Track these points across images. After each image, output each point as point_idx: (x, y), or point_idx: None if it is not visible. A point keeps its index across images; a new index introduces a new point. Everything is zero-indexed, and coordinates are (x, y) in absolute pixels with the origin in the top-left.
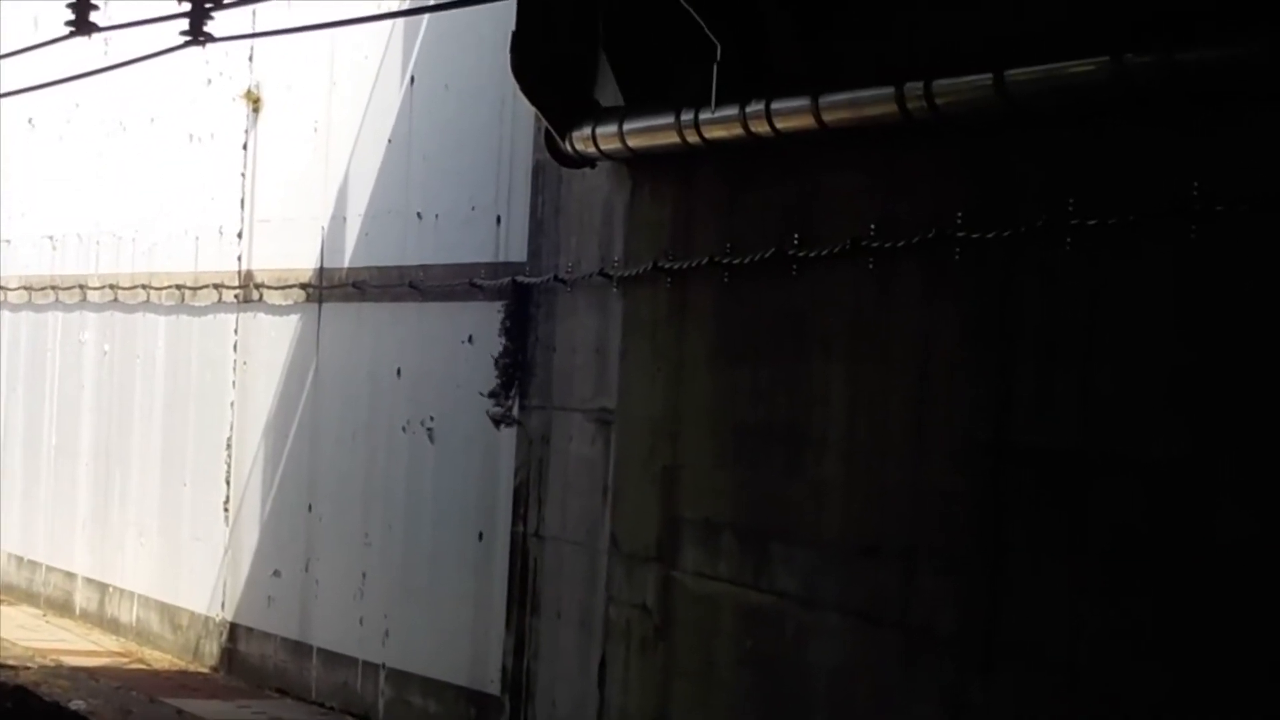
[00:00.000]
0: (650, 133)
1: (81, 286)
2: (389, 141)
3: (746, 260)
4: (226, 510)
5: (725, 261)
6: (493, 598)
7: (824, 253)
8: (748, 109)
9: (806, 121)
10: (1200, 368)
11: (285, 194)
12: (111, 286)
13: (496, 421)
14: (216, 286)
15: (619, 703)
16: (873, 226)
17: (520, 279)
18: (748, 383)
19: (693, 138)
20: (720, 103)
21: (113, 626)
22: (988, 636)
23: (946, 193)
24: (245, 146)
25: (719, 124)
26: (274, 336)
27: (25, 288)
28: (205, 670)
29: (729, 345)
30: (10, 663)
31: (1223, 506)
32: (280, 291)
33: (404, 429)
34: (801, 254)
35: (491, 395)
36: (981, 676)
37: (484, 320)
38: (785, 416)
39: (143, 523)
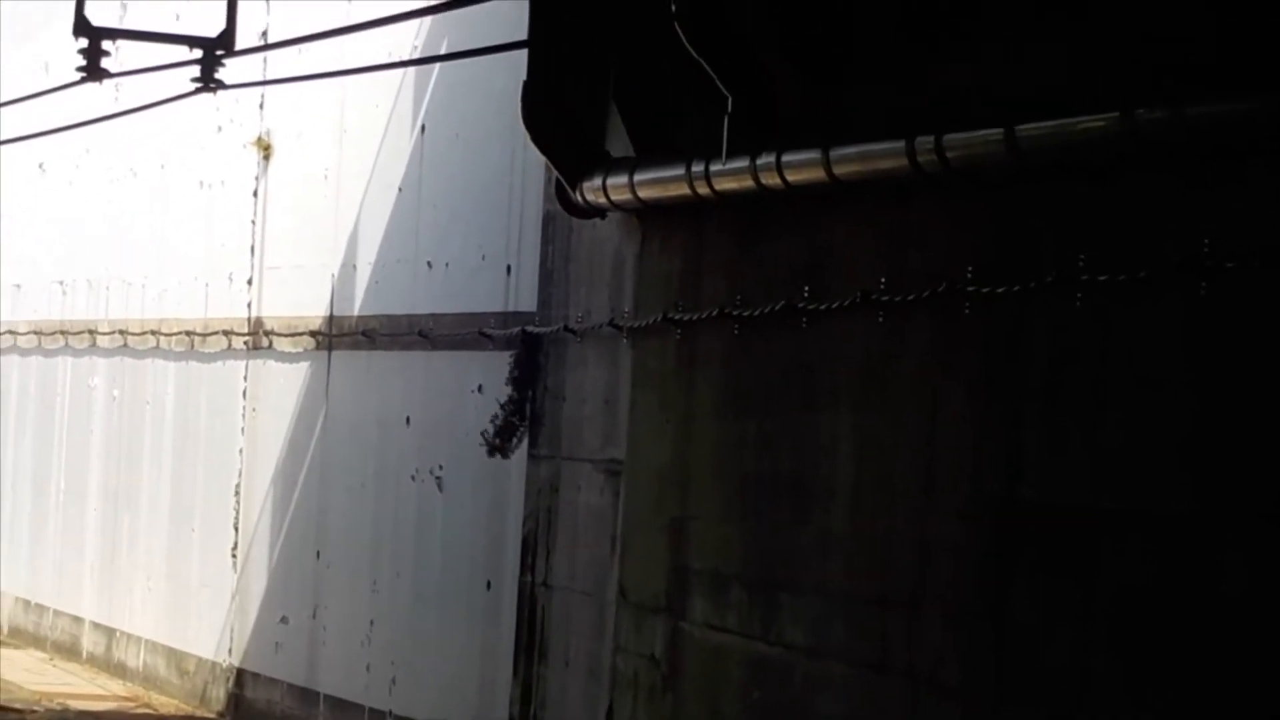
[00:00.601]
0: (661, 184)
1: (91, 332)
2: (399, 190)
3: (756, 312)
4: (234, 556)
5: (735, 313)
6: (500, 646)
7: (834, 305)
8: (758, 161)
9: (817, 174)
10: (1209, 423)
11: (295, 241)
12: (121, 332)
13: (490, 449)
14: (226, 333)
15: None
16: (883, 280)
17: (530, 329)
18: (756, 434)
19: (703, 189)
20: (730, 154)
21: (120, 671)
22: (995, 686)
23: (957, 246)
24: (255, 193)
25: (729, 176)
26: (283, 384)
27: (35, 332)
28: (212, 715)
29: (738, 397)
30: (16, 706)
31: (1228, 561)
32: (290, 339)
33: (413, 477)
34: (811, 306)
35: (494, 435)
36: None
37: (493, 370)
38: (793, 468)
39: (151, 568)
